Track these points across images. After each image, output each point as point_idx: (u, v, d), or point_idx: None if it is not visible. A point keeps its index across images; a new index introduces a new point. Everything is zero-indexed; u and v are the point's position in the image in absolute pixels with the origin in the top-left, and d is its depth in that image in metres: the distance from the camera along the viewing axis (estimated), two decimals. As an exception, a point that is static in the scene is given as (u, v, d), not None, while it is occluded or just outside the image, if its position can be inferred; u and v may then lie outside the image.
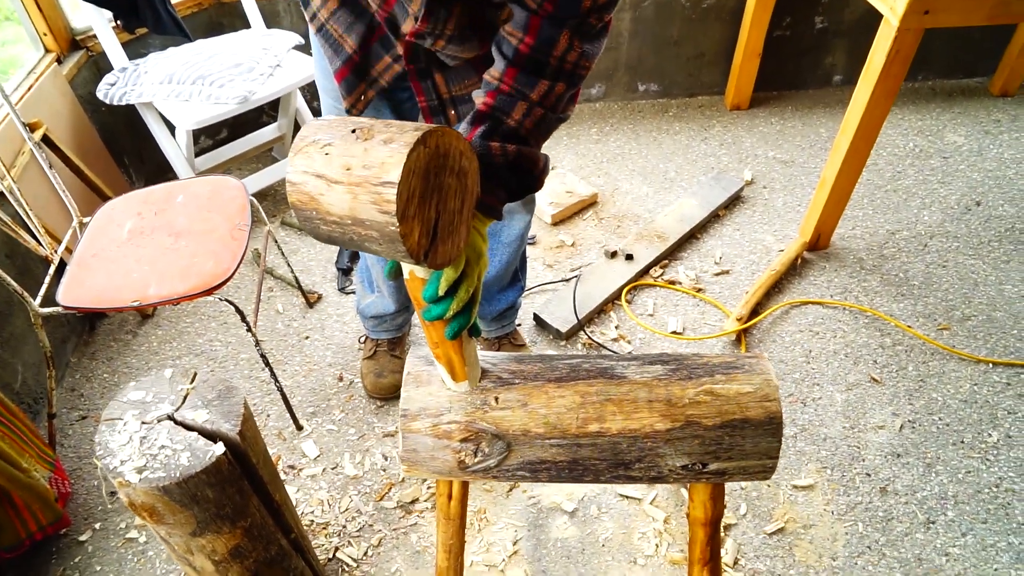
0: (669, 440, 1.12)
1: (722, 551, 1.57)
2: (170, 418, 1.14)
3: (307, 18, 1.26)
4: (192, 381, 1.20)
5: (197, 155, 2.49)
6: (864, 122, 1.95)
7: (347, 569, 1.57)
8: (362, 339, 2.04)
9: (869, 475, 1.69)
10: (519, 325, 2.04)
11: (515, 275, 1.81)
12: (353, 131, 0.82)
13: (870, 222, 2.38)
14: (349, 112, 1.29)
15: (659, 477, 1.17)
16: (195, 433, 1.11)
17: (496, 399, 1.13)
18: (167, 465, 1.07)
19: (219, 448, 1.09)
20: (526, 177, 1.01)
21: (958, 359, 1.92)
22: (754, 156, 2.69)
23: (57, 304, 1.54)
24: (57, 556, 1.61)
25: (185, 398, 1.17)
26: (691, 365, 1.16)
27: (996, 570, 1.51)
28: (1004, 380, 1.86)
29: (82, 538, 1.64)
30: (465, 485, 1.29)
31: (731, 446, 1.12)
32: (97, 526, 1.66)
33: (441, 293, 0.90)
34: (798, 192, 2.51)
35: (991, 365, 1.90)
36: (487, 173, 0.96)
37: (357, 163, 0.79)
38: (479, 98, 1.00)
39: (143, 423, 1.13)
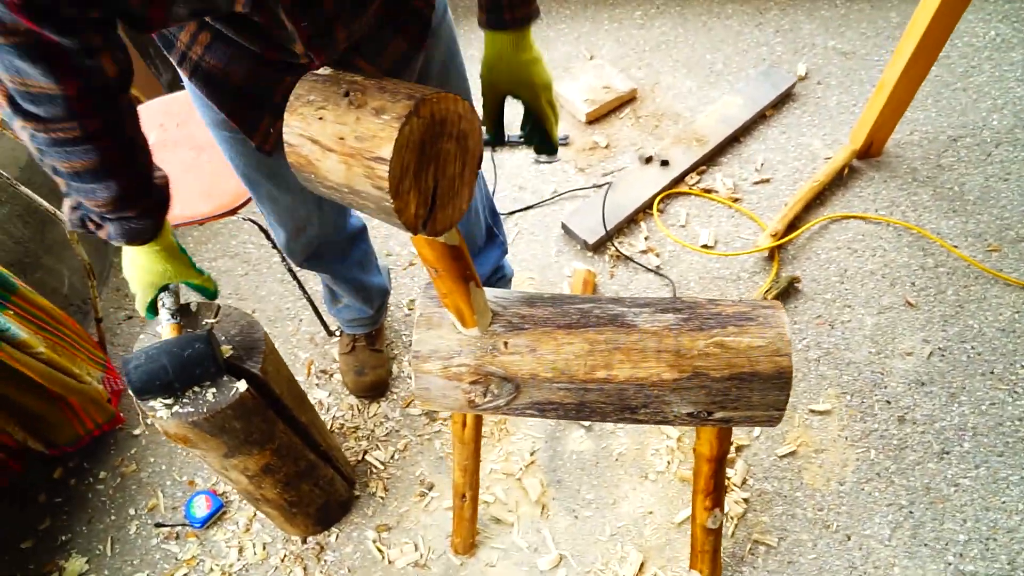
0: (676, 389, 1.13)
1: (731, 471, 1.63)
2: (196, 353, 1.19)
3: (174, 63, 1.00)
4: (216, 315, 1.24)
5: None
6: (938, 16, 1.73)
7: (375, 471, 1.69)
8: (337, 331, 1.89)
9: (889, 403, 1.69)
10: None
11: (489, 233, 1.61)
12: (347, 94, 0.78)
13: (931, 126, 2.20)
14: (260, 150, 1.08)
15: (664, 421, 1.20)
16: (219, 369, 1.17)
17: (505, 344, 1.14)
18: (195, 401, 1.14)
19: (242, 385, 1.15)
20: None
21: (1003, 284, 1.84)
22: (811, 46, 2.47)
23: (90, 221, 1.59)
24: (115, 448, 1.77)
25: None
26: (704, 315, 1.15)
27: (1004, 503, 1.53)
28: (1049, 308, 1.79)
29: (136, 432, 1.79)
30: (479, 415, 1.35)
31: (738, 397, 1.13)
32: (149, 421, 1.81)
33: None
34: (855, 90, 2.32)
35: (1037, 292, 1.82)
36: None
37: (349, 133, 0.76)
38: None
39: (171, 357, 1.19)
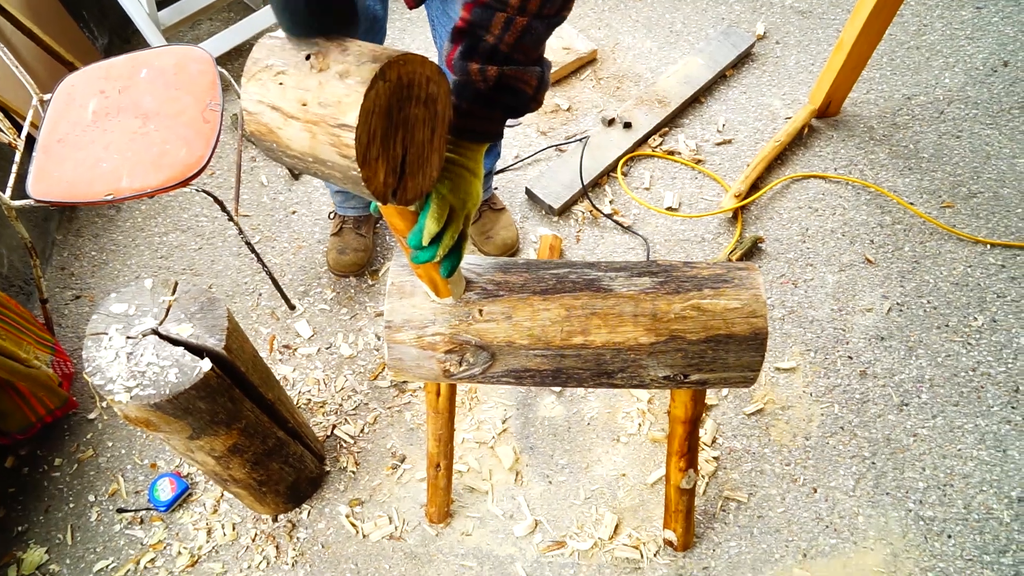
0: (652, 353, 1.13)
1: (701, 431, 1.65)
2: (155, 332, 1.14)
3: None
4: (174, 292, 1.19)
5: (161, 6, 2.28)
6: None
7: (345, 445, 1.66)
8: (331, 214, 2.01)
9: (851, 358, 1.73)
10: (496, 189, 2.00)
11: None
12: (307, 57, 0.74)
13: (887, 84, 2.23)
14: None
15: (641, 384, 1.19)
16: (181, 348, 1.12)
17: (480, 311, 1.12)
18: (156, 382, 1.09)
19: (206, 364, 1.10)
20: (518, 96, 0.91)
21: (956, 239, 1.89)
22: (769, 4, 2.46)
23: (28, 196, 1.49)
24: (70, 433, 1.70)
25: (168, 310, 1.16)
26: (680, 278, 1.15)
27: (959, 450, 1.60)
28: (999, 262, 1.84)
29: (91, 416, 1.72)
30: (452, 384, 1.32)
31: (714, 359, 1.13)
32: (104, 404, 1.73)
33: (425, 244, 0.87)
34: (813, 49, 2.33)
35: (989, 246, 1.87)
36: (473, 98, 0.88)
37: (312, 99, 0.71)
38: (458, 11, 0.89)
39: (128, 338, 1.13)
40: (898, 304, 1.80)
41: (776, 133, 2.10)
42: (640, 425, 1.66)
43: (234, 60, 2.37)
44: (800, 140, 2.12)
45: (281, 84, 0.73)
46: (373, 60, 0.70)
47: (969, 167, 2.02)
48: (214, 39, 2.22)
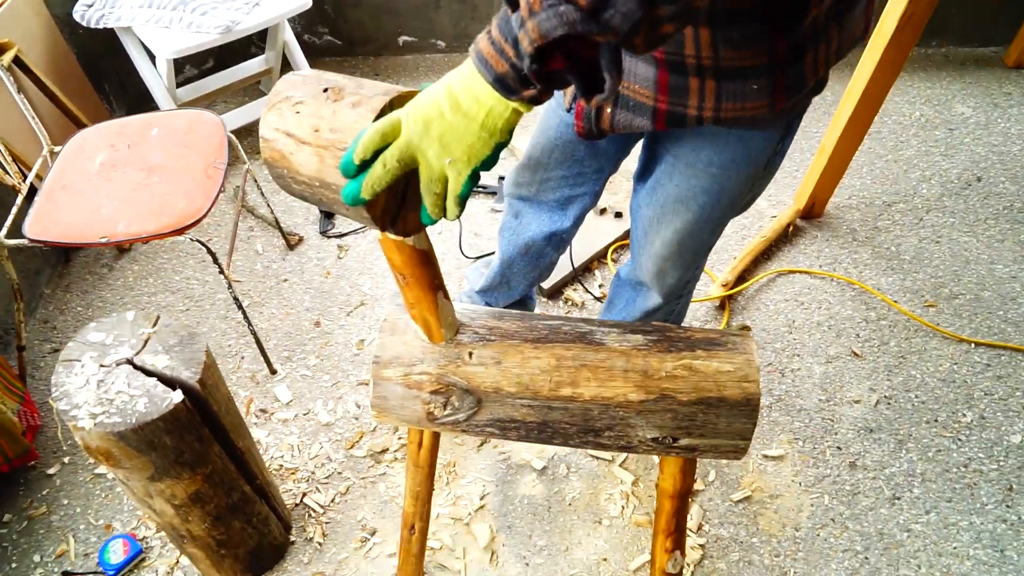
0: (641, 411, 1.10)
1: (687, 517, 1.58)
2: (129, 362, 1.11)
3: None
4: (154, 325, 1.17)
5: (181, 85, 2.40)
6: (868, 91, 1.88)
7: (314, 515, 1.58)
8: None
9: (840, 448, 1.69)
10: None
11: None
12: (325, 90, 0.78)
13: (867, 192, 2.33)
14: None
15: (628, 447, 1.16)
16: (154, 379, 1.09)
17: (470, 354, 1.11)
18: (123, 411, 1.05)
19: (177, 395, 1.07)
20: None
21: (941, 337, 1.91)
22: (755, 117, 2.61)
23: (24, 236, 1.50)
24: (25, 488, 1.61)
25: (146, 342, 1.14)
26: (673, 337, 1.14)
27: (955, 548, 1.53)
28: (984, 361, 1.85)
29: (50, 471, 1.64)
30: (436, 435, 1.28)
31: (704, 423, 1.11)
32: (66, 460, 1.66)
33: (356, 160, 0.69)
34: (796, 157, 2.45)
35: (973, 345, 1.88)
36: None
37: (325, 125, 0.75)
38: None
39: (101, 366, 1.10)
40: (886, 397, 1.79)
41: (762, 229, 2.16)
42: (623, 508, 1.60)
43: (244, 138, 2.47)
44: (786, 237, 2.18)
45: (298, 113, 0.77)
46: (384, 93, 0.74)
47: (950, 270, 2.07)
48: (227, 115, 2.31)
